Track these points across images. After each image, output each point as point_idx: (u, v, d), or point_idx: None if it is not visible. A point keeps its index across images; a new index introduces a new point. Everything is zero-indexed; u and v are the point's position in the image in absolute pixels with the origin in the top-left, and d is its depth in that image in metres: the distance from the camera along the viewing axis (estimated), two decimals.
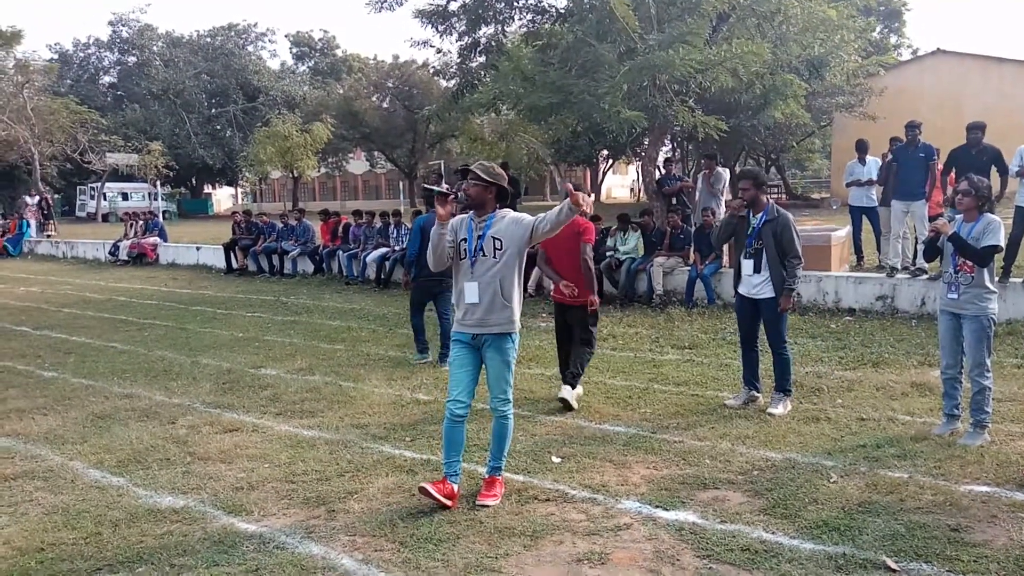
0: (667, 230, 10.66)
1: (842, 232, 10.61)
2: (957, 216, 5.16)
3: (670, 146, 31.80)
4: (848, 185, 11.00)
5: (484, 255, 4.13)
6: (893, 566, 3.36)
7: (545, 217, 4.15)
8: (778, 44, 12.60)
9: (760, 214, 5.69)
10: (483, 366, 4.25)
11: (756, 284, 5.72)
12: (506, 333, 4.17)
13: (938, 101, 26.15)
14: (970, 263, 4.85)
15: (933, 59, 29.48)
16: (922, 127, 9.19)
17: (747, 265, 5.75)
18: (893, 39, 39.75)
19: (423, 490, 4.10)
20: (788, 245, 5.57)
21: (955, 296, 4.95)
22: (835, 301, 9.20)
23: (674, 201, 11.71)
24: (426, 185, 4.88)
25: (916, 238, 9.20)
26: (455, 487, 4.18)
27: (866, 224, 10.89)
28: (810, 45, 13.42)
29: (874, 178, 10.47)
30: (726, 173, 11.72)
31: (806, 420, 5.44)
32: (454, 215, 4.33)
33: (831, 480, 4.35)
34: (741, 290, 5.88)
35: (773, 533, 3.74)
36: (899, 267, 9.13)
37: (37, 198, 26.56)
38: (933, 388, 5.81)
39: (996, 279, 5.07)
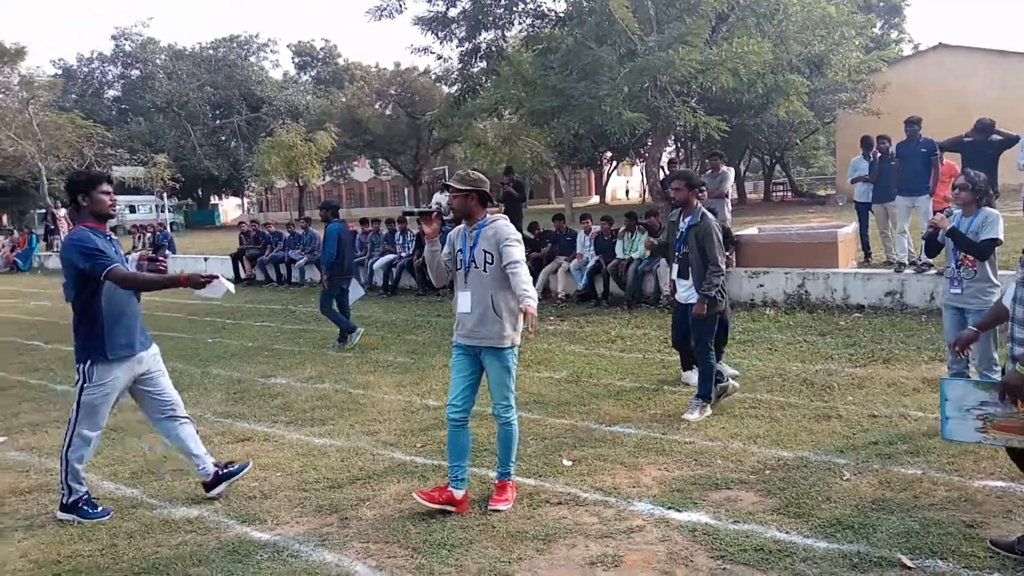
0: None
1: (849, 229, 10.60)
2: (956, 211, 5.15)
3: (673, 146, 31.80)
4: (853, 181, 10.99)
5: (476, 266, 4.10)
6: (908, 563, 3.35)
7: (513, 275, 4.00)
8: (778, 43, 12.61)
9: (688, 218, 5.67)
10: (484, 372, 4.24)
11: (686, 289, 5.72)
12: (499, 348, 4.11)
13: (941, 95, 26.11)
14: (971, 257, 4.84)
15: (935, 53, 29.44)
16: (922, 122, 9.19)
17: (674, 270, 5.78)
18: (894, 34, 39.73)
19: (422, 499, 4.14)
20: (708, 251, 5.52)
21: (958, 291, 4.94)
22: (843, 298, 9.18)
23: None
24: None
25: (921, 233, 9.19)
26: (457, 492, 4.17)
27: (873, 220, 10.87)
28: (810, 43, 13.43)
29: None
30: (731, 172, 11.70)
31: (817, 418, 5.43)
32: (448, 229, 4.33)
33: (844, 478, 4.34)
34: (677, 296, 5.88)
35: (787, 532, 3.73)
36: (906, 262, 9.11)
37: (64, 210, 26.72)
38: None
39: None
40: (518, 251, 4.05)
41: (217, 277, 4.10)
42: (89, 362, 4.19)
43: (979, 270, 4.84)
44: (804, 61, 13.98)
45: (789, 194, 38.25)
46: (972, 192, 4.88)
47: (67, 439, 4.27)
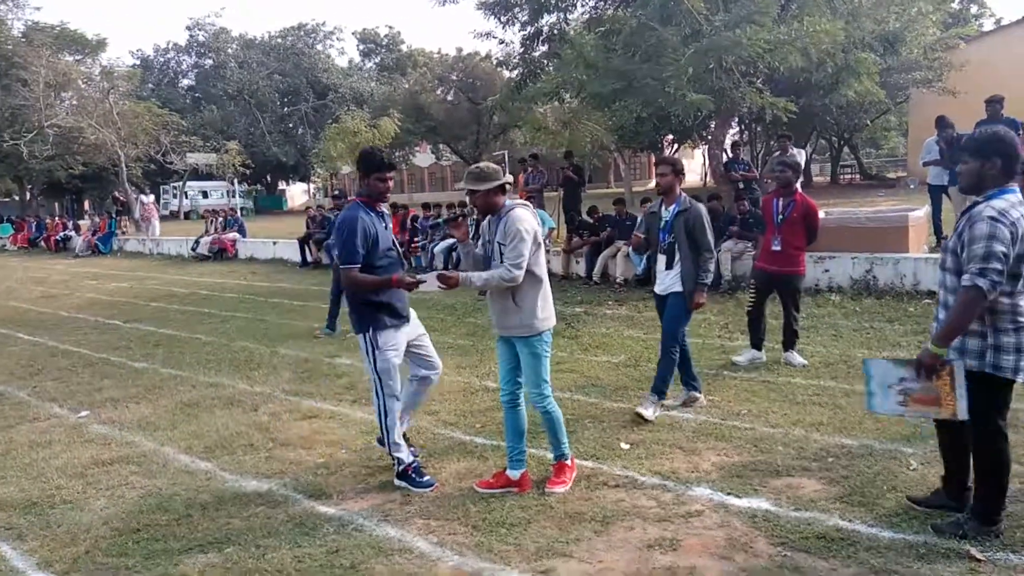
0: (736, 216, 10.46)
1: (920, 212, 10.22)
2: None
3: (737, 129, 31.06)
4: (925, 164, 10.60)
5: (495, 259, 4.11)
6: (978, 556, 3.26)
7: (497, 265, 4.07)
8: (850, 20, 12.18)
9: (672, 206, 5.43)
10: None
11: (668, 280, 5.46)
12: (522, 336, 4.12)
13: None
14: None
15: (1019, 28, 27.88)
16: (1004, 101, 8.79)
17: (660, 261, 5.52)
18: (974, 9, 37.73)
19: (481, 489, 4.26)
20: (700, 237, 5.30)
21: None
22: (913, 284, 8.88)
23: (742, 185, 11.49)
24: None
25: None
26: (514, 473, 4.25)
27: (947, 204, 10.47)
28: (885, 20, 12.93)
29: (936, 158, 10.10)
30: (801, 155, 11.42)
31: None
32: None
33: (911, 467, 4.24)
34: (656, 289, 5.64)
35: (850, 521, 3.68)
36: None
37: (152, 196, 27.86)
38: None
39: None
40: (516, 250, 3.97)
41: (425, 280, 4.21)
42: (372, 329, 4.33)
43: None
44: (877, 39, 13.47)
45: (857, 177, 36.98)
46: None
47: (381, 409, 4.41)
